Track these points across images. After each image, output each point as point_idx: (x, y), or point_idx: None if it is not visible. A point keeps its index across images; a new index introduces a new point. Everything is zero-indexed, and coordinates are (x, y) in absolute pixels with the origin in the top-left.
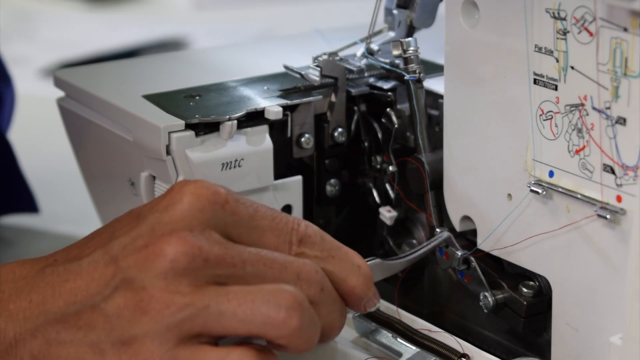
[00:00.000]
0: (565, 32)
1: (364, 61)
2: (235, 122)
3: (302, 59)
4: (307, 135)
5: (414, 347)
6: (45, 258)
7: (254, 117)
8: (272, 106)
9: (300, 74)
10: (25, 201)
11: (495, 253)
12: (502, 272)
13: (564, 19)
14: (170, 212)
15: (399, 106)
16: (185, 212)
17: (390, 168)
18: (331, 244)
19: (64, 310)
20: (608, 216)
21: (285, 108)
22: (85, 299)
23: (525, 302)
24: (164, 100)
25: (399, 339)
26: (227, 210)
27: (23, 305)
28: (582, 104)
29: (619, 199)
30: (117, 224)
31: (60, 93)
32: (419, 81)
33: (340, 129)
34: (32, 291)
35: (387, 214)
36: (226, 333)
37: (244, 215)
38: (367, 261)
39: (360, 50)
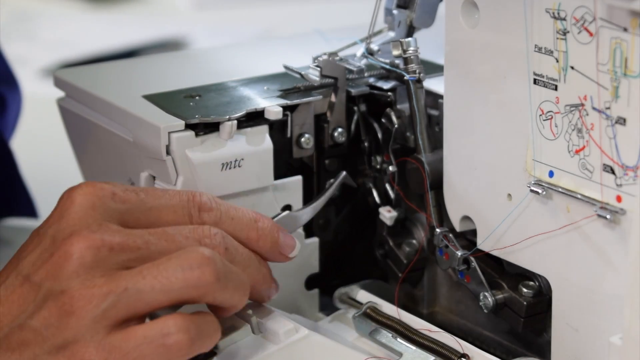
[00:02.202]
0: (565, 32)
1: (364, 61)
2: (235, 122)
3: (302, 59)
4: (307, 135)
5: (414, 347)
6: None
7: (254, 117)
8: (272, 106)
9: (300, 74)
10: (24, 206)
11: (495, 253)
12: (502, 272)
13: (564, 19)
14: (66, 218)
15: (399, 106)
16: (79, 214)
17: (390, 168)
18: (226, 206)
19: None
20: (608, 216)
21: (285, 108)
22: (10, 321)
23: (525, 302)
24: (164, 100)
25: (399, 339)
26: (117, 201)
27: None
28: (582, 104)
29: (618, 199)
30: (22, 247)
31: (60, 93)
32: (419, 81)
33: (340, 129)
34: None
35: (387, 214)
36: (151, 308)
37: (134, 201)
38: (277, 215)
39: (360, 50)
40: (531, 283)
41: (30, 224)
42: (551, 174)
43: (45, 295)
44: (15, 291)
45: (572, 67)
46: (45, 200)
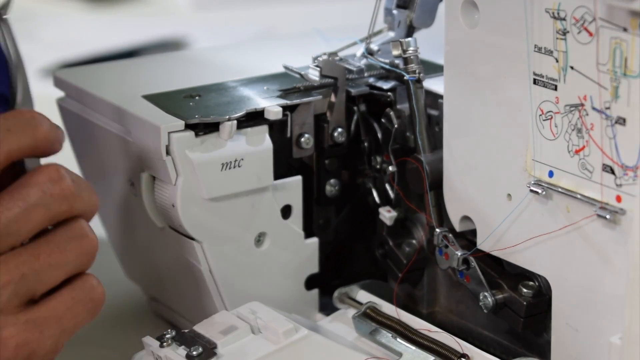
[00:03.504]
0: (565, 32)
1: (363, 61)
2: (235, 122)
3: (302, 59)
4: (307, 135)
5: (413, 347)
6: None
7: (254, 117)
8: (272, 106)
9: (300, 74)
10: None
11: (495, 253)
12: (502, 272)
13: (564, 19)
14: None
15: (398, 106)
16: None
17: (390, 168)
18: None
19: None
20: (608, 216)
21: (285, 108)
22: None
23: (525, 302)
24: (164, 100)
25: (399, 339)
26: None
27: None
28: (582, 104)
29: (618, 199)
30: None
31: (60, 93)
32: (418, 81)
33: (340, 129)
34: None
35: (387, 214)
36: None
37: None
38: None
39: (360, 50)
40: (531, 283)
41: None
42: (551, 174)
43: None
44: None
45: (572, 67)
46: None
